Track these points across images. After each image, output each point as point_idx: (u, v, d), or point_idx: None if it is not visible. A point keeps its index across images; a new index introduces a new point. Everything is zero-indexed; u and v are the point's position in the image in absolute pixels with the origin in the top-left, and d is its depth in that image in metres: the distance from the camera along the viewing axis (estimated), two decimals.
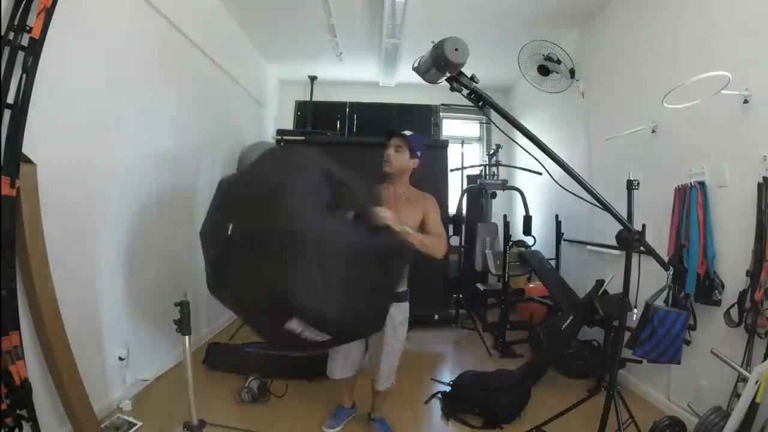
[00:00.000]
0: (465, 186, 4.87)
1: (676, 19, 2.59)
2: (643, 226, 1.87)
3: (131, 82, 2.51)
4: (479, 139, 6.23)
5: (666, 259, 2.41)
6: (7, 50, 1.64)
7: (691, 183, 2.33)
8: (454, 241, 4.41)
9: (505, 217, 3.74)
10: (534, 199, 4.59)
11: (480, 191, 4.64)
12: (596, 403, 2.27)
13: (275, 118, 5.87)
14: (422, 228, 2.05)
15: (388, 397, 2.36)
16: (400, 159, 2.11)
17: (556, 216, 3.97)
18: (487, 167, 4.96)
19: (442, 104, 6.04)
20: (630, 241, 1.54)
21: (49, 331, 1.80)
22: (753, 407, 1.74)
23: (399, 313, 2.08)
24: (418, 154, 2.12)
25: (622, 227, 1.53)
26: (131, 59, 2.50)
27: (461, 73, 1.38)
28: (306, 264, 1.38)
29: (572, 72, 3.77)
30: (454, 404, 2.56)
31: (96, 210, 2.26)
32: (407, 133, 2.12)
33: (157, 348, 2.85)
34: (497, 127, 1.65)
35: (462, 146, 4.87)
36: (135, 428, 2.19)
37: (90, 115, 2.18)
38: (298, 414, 2.49)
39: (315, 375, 2.90)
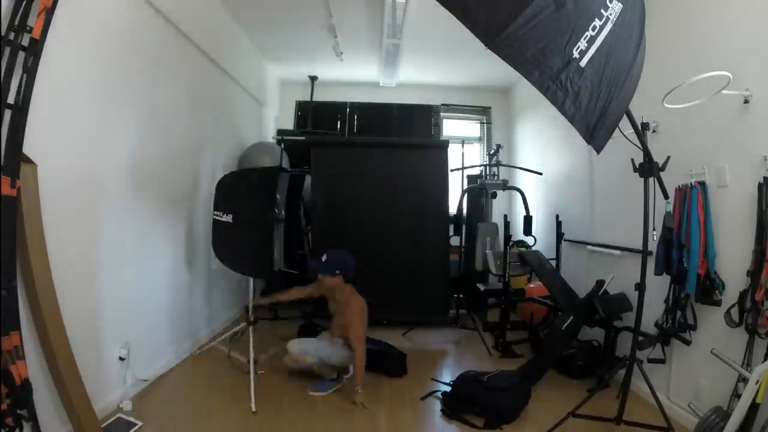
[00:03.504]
0: (465, 186, 4.87)
1: (676, 19, 2.59)
2: (668, 158, 2.01)
3: (132, 82, 2.51)
4: (480, 139, 6.22)
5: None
6: (7, 50, 1.64)
7: (691, 183, 2.32)
8: (455, 241, 4.41)
9: (505, 217, 3.74)
10: (534, 199, 4.58)
11: (480, 191, 4.64)
12: (596, 403, 2.28)
13: (276, 118, 5.87)
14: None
15: None
16: (324, 282, 2.88)
17: (557, 216, 3.96)
18: (488, 167, 4.96)
19: (443, 104, 6.05)
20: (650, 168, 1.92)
21: (49, 331, 1.80)
22: (753, 407, 1.74)
23: None
24: (336, 272, 2.82)
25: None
26: (131, 59, 2.50)
27: None
28: None
29: None
30: (454, 404, 2.56)
31: (96, 210, 2.26)
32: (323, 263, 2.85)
33: (157, 348, 2.85)
34: None
35: (462, 146, 4.86)
36: (135, 428, 2.18)
37: (90, 115, 2.18)
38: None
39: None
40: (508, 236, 3.64)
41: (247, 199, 2.85)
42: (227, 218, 2.80)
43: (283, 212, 3.19)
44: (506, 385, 2.54)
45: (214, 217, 2.86)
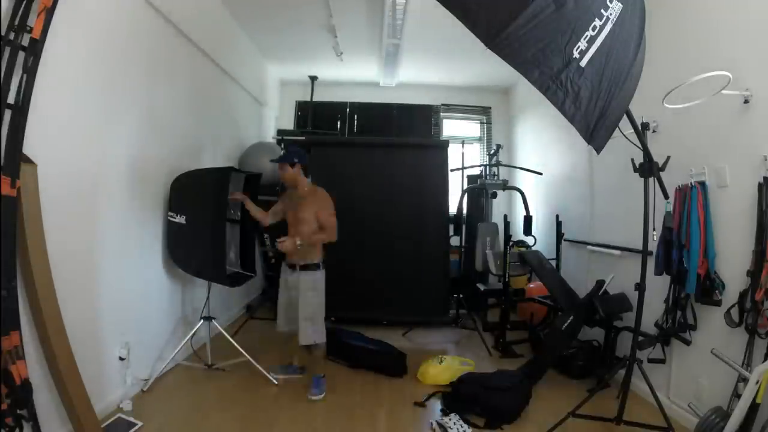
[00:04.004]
0: (465, 186, 4.87)
1: (676, 18, 2.59)
2: (668, 158, 2.03)
3: (132, 82, 2.51)
4: (480, 139, 6.22)
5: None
6: (7, 50, 1.64)
7: (691, 183, 2.32)
8: (455, 241, 4.41)
9: (505, 217, 3.74)
10: (534, 199, 4.58)
11: (480, 191, 4.64)
12: (596, 403, 2.28)
13: (276, 118, 5.87)
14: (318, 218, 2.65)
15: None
16: (284, 175, 2.75)
17: (557, 216, 3.96)
18: (488, 167, 4.96)
19: (443, 104, 6.05)
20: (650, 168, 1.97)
21: (49, 331, 1.81)
22: (753, 407, 1.74)
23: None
24: (295, 160, 2.72)
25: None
26: (131, 59, 2.50)
27: None
28: None
29: None
30: (455, 404, 2.56)
31: (96, 209, 2.27)
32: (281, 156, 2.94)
33: (157, 348, 2.85)
34: None
35: (462, 146, 4.86)
36: (135, 428, 2.18)
37: (90, 115, 2.18)
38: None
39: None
40: (508, 236, 3.64)
41: (200, 199, 2.84)
42: (180, 219, 2.82)
43: (239, 213, 3.18)
44: (507, 385, 2.54)
45: (169, 217, 2.87)
